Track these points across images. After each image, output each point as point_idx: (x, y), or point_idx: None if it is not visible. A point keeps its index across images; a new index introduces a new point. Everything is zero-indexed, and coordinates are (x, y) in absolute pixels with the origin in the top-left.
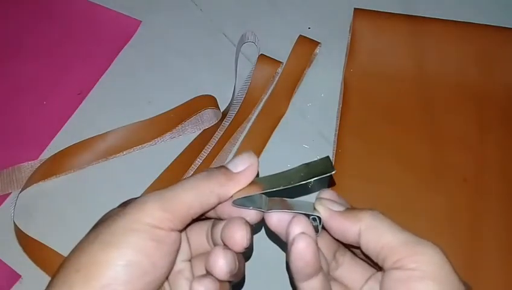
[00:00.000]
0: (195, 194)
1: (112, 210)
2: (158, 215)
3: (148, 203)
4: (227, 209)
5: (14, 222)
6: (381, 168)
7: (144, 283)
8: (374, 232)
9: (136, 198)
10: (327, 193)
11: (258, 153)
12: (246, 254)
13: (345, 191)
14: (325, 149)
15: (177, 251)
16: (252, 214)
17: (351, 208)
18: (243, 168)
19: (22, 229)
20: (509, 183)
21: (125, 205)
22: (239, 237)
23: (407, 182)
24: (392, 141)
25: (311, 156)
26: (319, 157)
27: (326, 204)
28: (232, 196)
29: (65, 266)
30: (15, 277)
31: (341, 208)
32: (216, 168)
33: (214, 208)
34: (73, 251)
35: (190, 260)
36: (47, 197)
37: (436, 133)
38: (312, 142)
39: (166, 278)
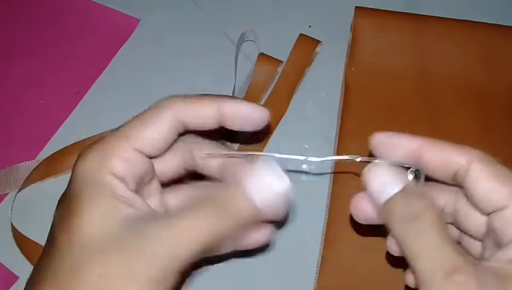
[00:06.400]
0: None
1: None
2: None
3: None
4: None
5: (11, 223)
6: None
7: None
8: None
9: None
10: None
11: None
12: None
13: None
14: (326, 149)
15: None
16: None
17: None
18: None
19: (19, 230)
20: None
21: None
22: None
23: None
24: None
25: (311, 156)
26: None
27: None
28: None
29: None
30: (12, 278)
31: None
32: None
33: None
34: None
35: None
36: (45, 198)
37: (438, 132)
38: (312, 142)
39: None
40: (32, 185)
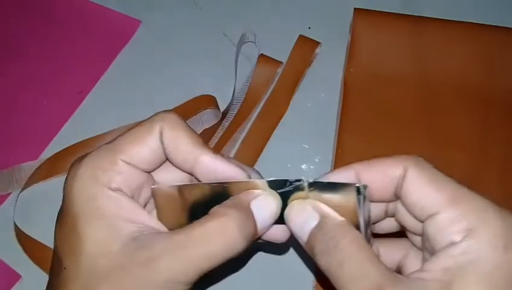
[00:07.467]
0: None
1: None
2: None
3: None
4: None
5: (14, 222)
6: None
7: None
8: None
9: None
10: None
11: (258, 153)
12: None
13: None
14: (325, 149)
15: None
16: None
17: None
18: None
19: (22, 230)
20: (511, 185)
21: None
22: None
23: None
24: (392, 141)
25: (311, 156)
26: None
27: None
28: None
29: None
30: (15, 277)
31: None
32: (243, 211)
33: None
34: None
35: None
36: (47, 198)
37: (437, 134)
38: (312, 142)
39: None
40: (35, 185)
